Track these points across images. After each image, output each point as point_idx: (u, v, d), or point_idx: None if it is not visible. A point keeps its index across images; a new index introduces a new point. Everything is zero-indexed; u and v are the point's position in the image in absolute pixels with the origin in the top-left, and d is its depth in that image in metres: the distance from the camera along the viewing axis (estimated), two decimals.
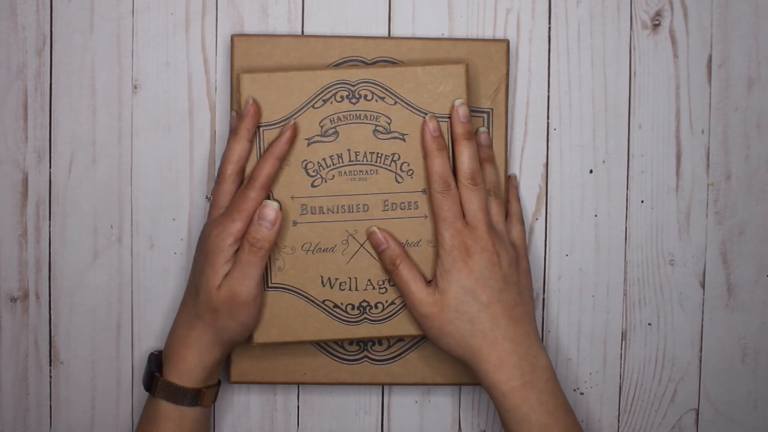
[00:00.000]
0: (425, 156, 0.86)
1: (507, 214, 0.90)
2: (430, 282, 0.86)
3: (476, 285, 0.84)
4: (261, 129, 0.86)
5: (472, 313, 0.83)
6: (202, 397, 0.87)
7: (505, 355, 0.83)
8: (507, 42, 0.90)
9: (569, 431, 0.84)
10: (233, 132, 0.86)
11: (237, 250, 0.85)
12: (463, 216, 0.85)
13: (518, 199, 0.92)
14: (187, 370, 0.86)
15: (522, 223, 0.91)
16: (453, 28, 0.92)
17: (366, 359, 0.92)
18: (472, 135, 0.86)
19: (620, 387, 0.95)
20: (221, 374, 0.93)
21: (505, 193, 0.91)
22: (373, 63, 0.89)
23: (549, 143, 0.93)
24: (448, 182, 0.85)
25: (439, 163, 0.85)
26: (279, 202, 0.85)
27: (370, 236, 0.86)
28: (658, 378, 0.94)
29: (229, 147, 0.86)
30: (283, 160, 0.85)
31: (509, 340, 0.84)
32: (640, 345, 0.94)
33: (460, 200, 0.85)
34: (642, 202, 0.93)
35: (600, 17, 0.92)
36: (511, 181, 0.92)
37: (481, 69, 0.90)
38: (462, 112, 0.86)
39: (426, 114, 0.86)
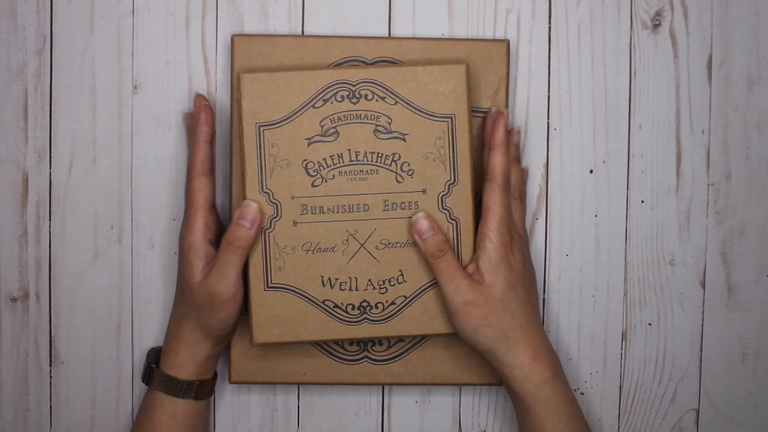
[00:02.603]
0: (489, 147, 0.87)
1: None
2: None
3: (516, 281, 0.86)
4: (261, 129, 0.86)
5: (513, 306, 0.85)
6: (196, 390, 0.88)
7: (538, 347, 0.86)
8: (507, 42, 0.90)
9: (584, 422, 0.88)
10: (192, 136, 0.88)
11: (211, 245, 0.86)
12: None
13: (520, 177, 0.91)
14: (180, 364, 0.88)
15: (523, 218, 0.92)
16: (453, 28, 0.92)
17: (366, 359, 0.92)
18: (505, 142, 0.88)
19: (620, 387, 0.95)
20: (222, 375, 0.93)
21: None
22: (374, 63, 0.90)
23: (549, 143, 0.93)
24: (510, 180, 0.87)
25: (504, 161, 0.86)
26: (258, 203, 0.86)
27: (415, 222, 0.86)
28: (658, 378, 0.94)
29: (191, 151, 0.88)
30: (210, 142, 0.87)
31: (540, 333, 0.87)
32: (640, 345, 0.94)
33: None
34: (642, 202, 0.93)
35: (600, 17, 0.92)
36: (512, 137, 0.92)
37: (481, 69, 0.90)
38: (517, 139, 0.91)
39: (425, 114, 0.86)
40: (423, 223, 0.86)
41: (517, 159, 0.91)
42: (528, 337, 0.86)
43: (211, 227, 0.87)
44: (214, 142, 0.89)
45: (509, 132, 0.90)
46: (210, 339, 0.88)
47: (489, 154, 0.87)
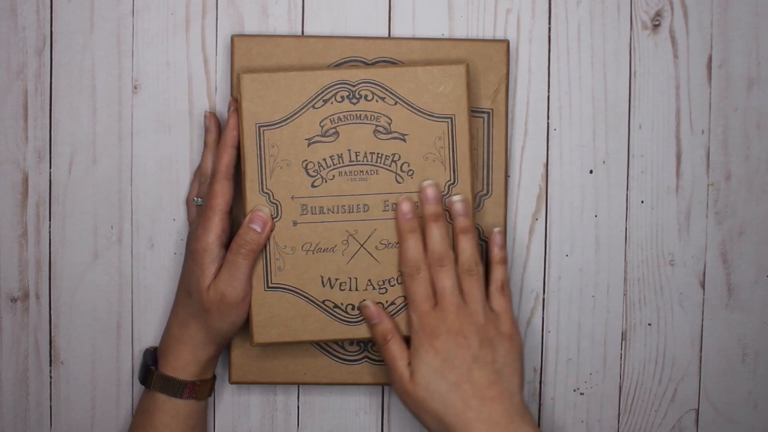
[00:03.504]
0: (399, 237, 0.86)
1: (488, 284, 0.88)
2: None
3: (443, 365, 0.83)
4: (261, 129, 0.86)
5: (442, 392, 0.83)
6: (197, 390, 0.88)
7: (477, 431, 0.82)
8: (507, 42, 0.90)
9: None
10: (222, 140, 0.88)
11: (223, 249, 0.86)
12: (434, 296, 0.85)
13: (503, 261, 0.88)
14: (182, 366, 0.88)
15: (505, 291, 0.88)
16: (453, 28, 0.92)
17: (366, 359, 0.92)
18: (441, 215, 0.86)
19: (620, 387, 0.95)
20: (222, 375, 0.93)
21: (487, 253, 0.89)
22: (373, 63, 0.89)
23: (549, 143, 0.93)
24: (418, 266, 0.85)
25: (410, 246, 0.86)
26: (270, 208, 0.86)
27: (363, 309, 0.87)
28: (658, 378, 0.94)
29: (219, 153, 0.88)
30: (236, 147, 0.86)
31: (482, 421, 0.82)
32: (640, 345, 0.94)
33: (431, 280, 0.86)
34: (642, 202, 0.93)
35: (600, 17, 0.92)
36: (493, 240, 0.89)
37: (481, 69, 0.90)
38: (430, 192, 0.86)
39: (425, 114, 0.86)
40: (369, 311, 0.87)
41: (466, 230, 0.86)
42: (464, 426, 0.82)
43: (227, 232, 0.87)
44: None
45: (492, 235, 0.89)
46: (215, 342, 0.87)
47: (399, 242, 0.86)
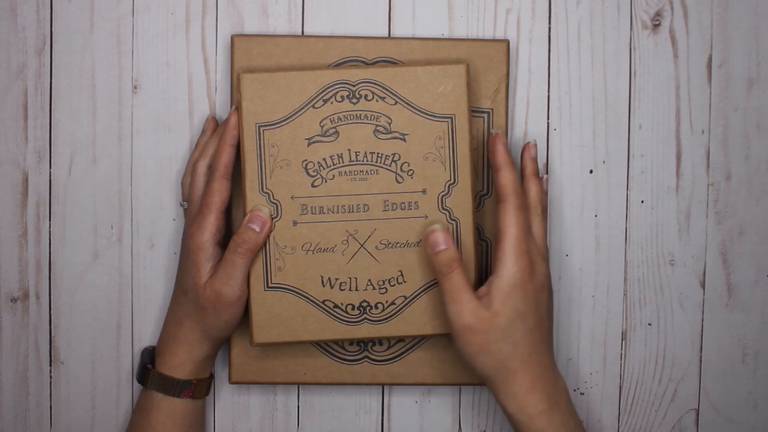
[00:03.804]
0: (493, 169, 0.85)
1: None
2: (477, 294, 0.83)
3: (528, 310, 0.83)
4: (261, 129, 0.86)
5: (517, 336, 0.83)
6: (194, 389, 0.88)
7: (536, 379, 0.83)
8: (507, 42, 0.90)
9: None
10: (222, 136, 0.87)
11: (218, 247, 0.86)
12: None
13: (540, 191, 0.88)
14: (178, 364, 0.88)
15: (544, 225, 0.88)
16: (453, 28, 0.92)
17: (366, 359, 0.92)
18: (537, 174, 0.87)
19: (620, 387, 0.95)
20: (222, 375, 0.93)
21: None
22: (373, 63, 0.89)
23: (549, 143, 0.93)
24: (525, 196, 0.85)
25: (512, 178, 0.84)
26: (270, 208, 0.86)
27: (429, 234, 0.84)
28: (658, 378, 0.94)
29: (215, 149, 0.88)
30: (235, 146, 0.86)
31: (541, 365, 0.84)
32: (640, 345, 0.94)
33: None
34: (642, 202, 0.93)
35: (600, 17, 0.92)
36: (527, 150, 0.89)
37: (481, 69, 0.90)
38: (534, 153, 0.88)
39: (426, 114, 0.86)
40: (437, 236, 0.84)
41: (535, 173, 0.88)
42: (527, 368, 0.83)
43: (222, 230, 0.87)
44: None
45: (525, 146, 0.89)
46: (210, 340, 0.88)
47: (495, 176, 0.85)
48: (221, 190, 0.86)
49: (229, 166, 0.86)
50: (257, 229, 0.85)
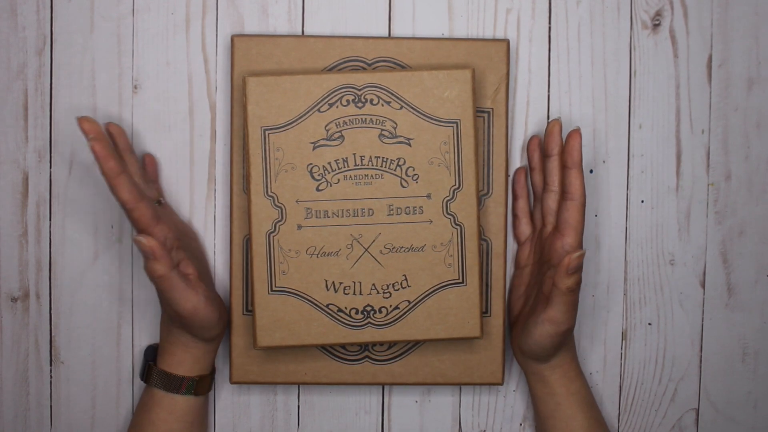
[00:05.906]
0: (568, 166, 0.85)
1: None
2: None
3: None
4: (266, 132, 0.86)
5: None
6: (196, 386, 0.88)
7: (574, 344, 0.92)
8: (507, 42, 0.90)
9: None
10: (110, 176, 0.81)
11: (180, 274, 0.84)
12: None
13: (583, 184, 0.86)
14: (177, 362, 0.88)
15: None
16: (453, 28, 0.92)
17: (367, 359, 0.92)
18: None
19: (620, 387, 0.95)
20: (222, 375, 0.93)
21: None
22: (374, 63, 0.89)
23: None
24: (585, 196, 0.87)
25: (583, 177, 0.85)
26: (147, 235, 0.81)
27: (574, 259, 0.82)
28: (658, 378, 0.95)
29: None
30: (120, 172, 0.80)
31: (575, 360, 0.92)
32: (640, 345, 0.94)
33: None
34: (642, 202, 0.93)
35: (600, 17, 0.92)
36: (575, 139, 0.85)
37: (481, 69, 0.90)
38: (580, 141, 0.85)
39: (431, 119, 0.86)
40: (577, 261, 0.83)
41: (580, 164, 0.85)
42: (571, 339, 0.90)
43: (170, 240, 0.84)
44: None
45: (572, 133, 0.85)
46: (202, 340, 0.88)
47: (566, 172, 0.85)
48: (142, 217, 0.81)
49: (132, 193, 0.80)
50: (149, 256, 0.82)
